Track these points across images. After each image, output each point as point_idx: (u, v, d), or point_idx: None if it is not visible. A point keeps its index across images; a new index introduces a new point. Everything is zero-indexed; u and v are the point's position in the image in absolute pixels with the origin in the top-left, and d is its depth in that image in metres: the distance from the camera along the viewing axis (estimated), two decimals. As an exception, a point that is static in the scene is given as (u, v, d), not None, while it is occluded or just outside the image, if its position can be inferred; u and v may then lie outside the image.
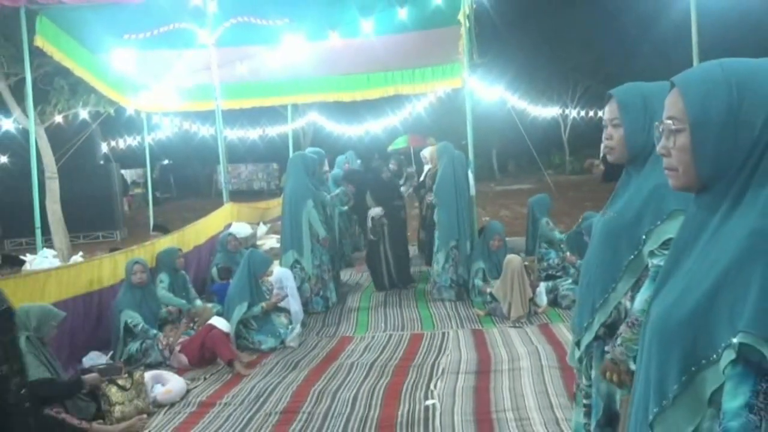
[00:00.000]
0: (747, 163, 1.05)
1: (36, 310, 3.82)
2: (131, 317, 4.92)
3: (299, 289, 6.07)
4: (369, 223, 7.07)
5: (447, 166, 6.65)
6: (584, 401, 2.24)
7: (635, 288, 1.99)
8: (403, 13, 7.20)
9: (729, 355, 0.96)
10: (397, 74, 9.12)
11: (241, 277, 5.42)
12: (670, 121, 1.13)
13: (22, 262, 6.90)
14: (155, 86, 9.16)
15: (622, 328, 1.95)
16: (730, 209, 1.07)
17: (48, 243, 9.06)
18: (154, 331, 4.95)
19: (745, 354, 0.94)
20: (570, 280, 6.08)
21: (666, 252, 1.88)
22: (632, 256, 1.96)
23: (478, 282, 6.29)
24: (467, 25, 7.00)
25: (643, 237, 1.92)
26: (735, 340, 0.95)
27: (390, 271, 7.15)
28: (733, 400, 0.95)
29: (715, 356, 1.00)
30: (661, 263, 1.87)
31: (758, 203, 1.02)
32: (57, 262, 7.26)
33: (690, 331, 1.04)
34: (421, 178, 8.01)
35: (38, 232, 7.37)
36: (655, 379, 1.12)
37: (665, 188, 1.90)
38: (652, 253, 1.92)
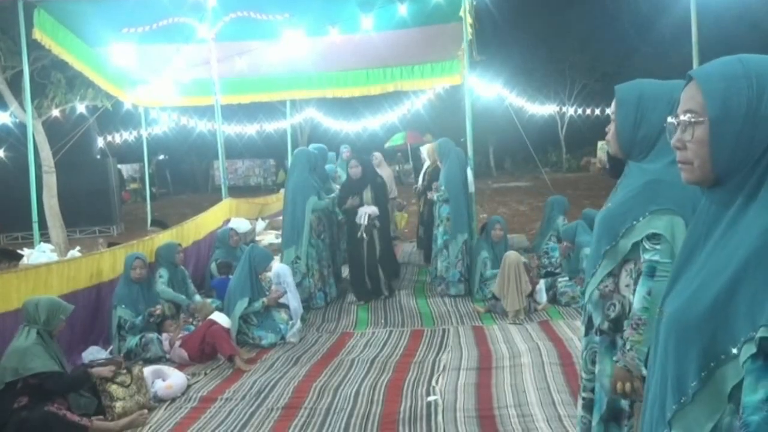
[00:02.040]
0: (763, 157, 1.04)
1: (45, 302, 3.73)
2: (123, 314, 4.90)
3: (300, 285, 6.06)
4: (364, 221, 6.42)
5: (453, 161, 6.69)
6: (583, 394, 2.26)
7: (637, 281, 2.02)
8: (403, 10, 7.16)
9: (749, 350, 0.96)
10: (396, 70, 9.10)
11: (241, 273, 5.40)
12: (687, 115, 1.12)
13: (20, 257, 6.87)
14: (153, 81, 9.12)
15: (628, 332, 1.97)
16: (745, 204, 1.06)
17: (45, 237, 9.01)
18: (139, 318, 4.90)
19: (765, 348, 0.94)
20: (567, 278, 6.10)
21: (656, 247, 1.92)
22: (608, 247, 2.06)
23: (489, 273, 6.23)
24: (467, 21, 6.98)
25: (621, 232, 2.01)
26: (757, 335, 0.94)
27: (373, 276, 6.58)
28: (754, 394, 0.94)
29: (735, 351, 0.99)
30: (655, 258, 1.90)
31: None
32: (55, 257, 7.24)
33: (709, 327, 1.03)
34: (420, 176, 7.98)
35: (35, 226, 7.33)
36: (673, 376, 1.11)
37: (654, 185, 1.96)
38: (643, 248, 1.96)
